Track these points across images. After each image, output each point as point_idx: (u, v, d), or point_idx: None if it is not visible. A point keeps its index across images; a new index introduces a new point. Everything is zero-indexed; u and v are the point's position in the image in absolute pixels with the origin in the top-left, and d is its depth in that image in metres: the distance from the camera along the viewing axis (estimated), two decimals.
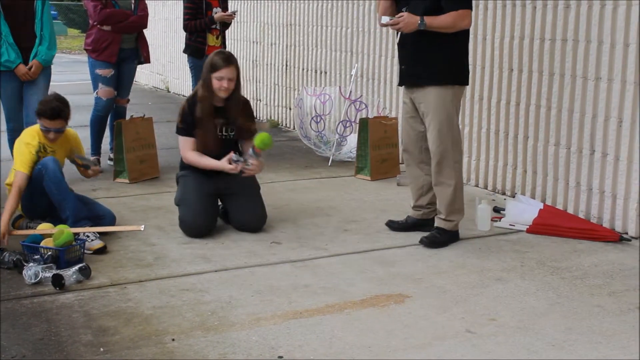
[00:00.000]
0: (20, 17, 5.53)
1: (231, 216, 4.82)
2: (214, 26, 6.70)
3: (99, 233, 4.40)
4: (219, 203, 4.91)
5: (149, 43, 6.71)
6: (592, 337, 3.27)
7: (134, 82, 6.89)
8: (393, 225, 4.81)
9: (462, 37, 4.44)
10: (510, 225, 4.87)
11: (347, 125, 7.00)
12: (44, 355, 3.07)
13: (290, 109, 8.75)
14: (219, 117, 4.73)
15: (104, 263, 4.15)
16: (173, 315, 3.46)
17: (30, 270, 3.83)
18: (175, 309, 3.54)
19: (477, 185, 5.99)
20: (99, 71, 6.28)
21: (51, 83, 5.78)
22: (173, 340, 3.21)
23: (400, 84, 4.65)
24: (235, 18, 6.90)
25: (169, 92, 12.41)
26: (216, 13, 6.69)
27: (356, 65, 7.21)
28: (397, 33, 4.50)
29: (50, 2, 5.84)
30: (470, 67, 4.71)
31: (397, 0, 4.52)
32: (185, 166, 4.89)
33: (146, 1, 6.52)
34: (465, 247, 4.50)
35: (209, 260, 4.23)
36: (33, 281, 3.81)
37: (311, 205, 5.43)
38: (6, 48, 5.46)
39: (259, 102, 9.52)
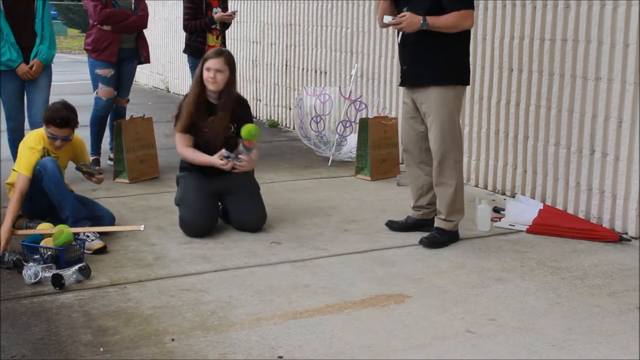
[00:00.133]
0: (21, 17, 5.54)
1: (231, 216, 4.82)
2: (214, 26, 6.70)
3: (99, 233, 4.40)
4: (219, 203, 4.90)
5: (149, 43, 6.71)
6: (592, 337, 3.27)
7: (133, 82, 6.90)
8: (393, 226, 4.81)
9: (463, 37, 4.44)
10: (510, 225, 4.87)
11: (347, 125, 7.00)
12: (44, 355, 3.07)
13: (290, 109, 8.76)
14: (213, 112, 4.73)
15: (103, 263, 4.15)
16: (173, 315, 3.46)
17: (30, 270, 3.83)
18: (175, 309, 3.54)
19: (477, 186, 5.99)
20: (99, 71, 6.28)
21: (51, 83, 5.80)
22: (173, 340, 3.21)
23: (401, 84, 4.65)
24: (235, 18, 6.90)
25: (169, 92, 12.41)
26: (216, 13, 6.69)
27: (356, 65, 7.21)
28: (399, 33, 4.50)
29: (50, 2, 5.84)
30: (471, 67, 4.71)
31: (397, 0, 4.53)
32: (185, 167, 4.89)
33: (146, 1, 6.53)
34: (465, 247, 4.50)
35: (209, 260, 4.23)
36: (33, 281, 3.82)
37: (311, 205, 5.43)
38: (8, 47, 5.47)
39: (258, 102, 9.52)
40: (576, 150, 5.07)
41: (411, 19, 4.26)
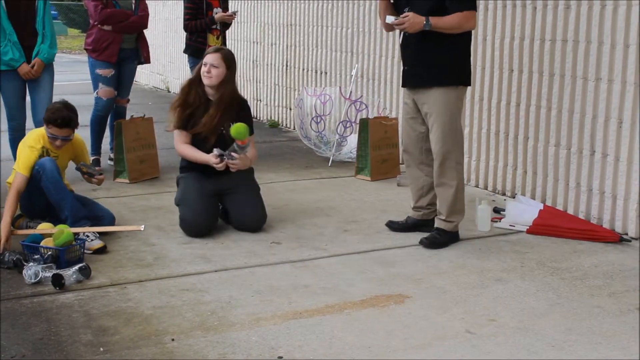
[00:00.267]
0: (22, 16, 5.55)
1: (231, 216, 4.82)
2: (214, 26, 6.70)
3: (99, 233, 4.40)
4: (219, 203, 4.90)
5: (149, 43, 6.72)
6: (592, 338, 3.27)
7: (134, 82, 6.90)
8: (393, 226, 4.81)
9: (465, 37, 4.44)
10: (510, 225, 4.87)
11: (348, 125, 7.00)
12: (44, 355, 3.07)
13: (290, 109, 8.76)
14: (209, 108, 4.75)
15: (103, 263, 4.15)
16: (173, 315, 3.46)
17: (30, 270, 3.83)
18: (175, 309, 3.54)
19: (477, 186, 5.99)
20: (99, 71, 6.29)
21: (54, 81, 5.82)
22: (173, 340, 3.21)
23: (403, 85, 4.64)
24: (235, 18, 6.91)
25: (169, 92, 12.41)
26: (216, 13, 6.69)
27: (356, 65, 7.21)
28: (400, 33, 4.49)
29: (50, 2, 5.85)
30: (471, 67, 4.71)
31: (397, 0, 4.52)
32: (185, 167, 4.89)
33: (147, 1, 6.53)
34: (465, 247, 4.50)
35: (209, 260, 4.23)
36: (33, 281, 3.81)
37: (311, 205, 5.43)
38: (10, 47, 5.48)
39: (259, 102, 9.52)
40: (576, 150, 5.07)
41: (414, 20, 4.25)
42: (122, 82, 6.48)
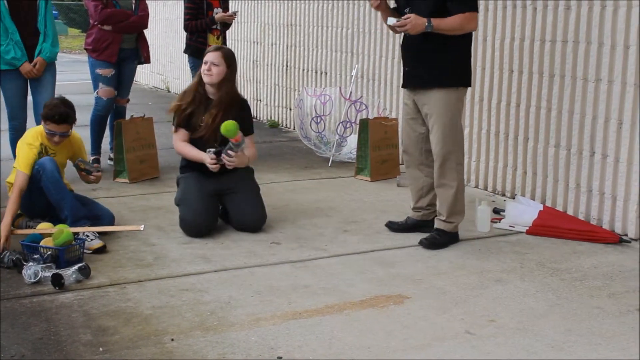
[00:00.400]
0: (23, 16, 5.56)
1: (231, 216, 4.82)
2: (214, 26, 6.70)
3: (99, 233, 4.40)
4: (219, 203, 4.90)
5: (149, 43, 6.72)
6: (592, 339, 3.27)
7: (134, 82, 6.90)
8: (393, 226, 4.81)
9: (465, 38, 4.43)
10: (510, 226, 4.87)
11: (347, 126, 7.00)
12: (43, 355, 3.07)
13: (290, 109, 8.76)
14: (209, 107, 4.76)
15: (103, 263, 4.15)
16: (172, 315, 3.46)
17: (30, 270, 3.83)
18: (174, 309, 3.54)
19: (477, 187, 5.99)
20: (99, 71, 6.29)
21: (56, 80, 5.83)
22: (172, 340, 3.21)
23: (404, 86, 4.64)
24: (235, 18, 6.91)
25: (169, 92, 12.41)
26: (217, 13, 6.69)
27: (356, 66, 7.21)
28: (402, 34, 4.49)
29: (51, 1, 5.85)
30: (472, 68, 4.71)
31: (397, 1, 4.52)
32: (185, 167, 4.90)
33: (147, 1, 6.53)
34: (464, 248, 4.50)
35: (209, 260, 4.23)
36: (32, 280, 3.81)
37: (311, 205, 5.43)
38: (12, 46, 5.49)
39: (259, 102, 9.52)
40: (576, 151, 5.07)
41: (416, 21, 4.24)
42: (122, 82, 6.48)
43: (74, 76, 13.80)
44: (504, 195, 5.73)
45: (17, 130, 5.67)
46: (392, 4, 4.66)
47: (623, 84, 4.69)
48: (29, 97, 5.80)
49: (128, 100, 6.69)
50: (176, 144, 4.84)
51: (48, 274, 3.80)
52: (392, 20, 4.33)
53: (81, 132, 4.91)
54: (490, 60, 5.76)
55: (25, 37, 5.56)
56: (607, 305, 3.64)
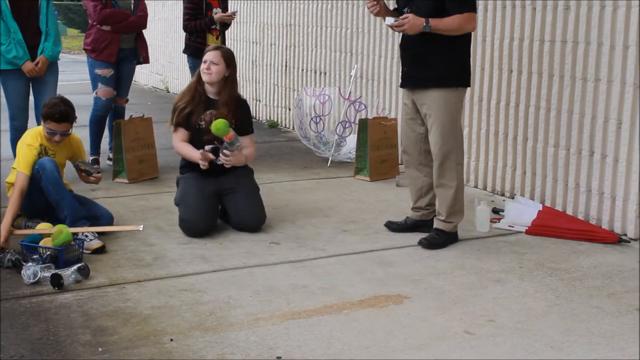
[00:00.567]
0: (25, 16, 5.56)
1: (230, 216, 4.82)
2: (213, 26, 6.70)
3: (98, 233, 4.40)
4: (219, 204, 4.90)
5: (148, 43, 6.72)
6: (591, 339, 3.27)
7: (133, 82, 6.89)
8: (392, 226, 4.81)
9: (465, 39, 4.43)
10: (509, 226, 4.87)
11: (347, 126, 7.00)
12: (43, 355, 3.07)
13: (289, 109, 8.75)
14: (210, 107, 4.77)
15: (102, 263, 4.15)
16: (171, 316, 3.46)
17: (29, 270, 3.83)
18: (173, 309, 3.54)
19: (476, 186, 5.99)
20: (98, 71, 6.29)
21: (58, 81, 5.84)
22: (171, 340, 3.21)
23: (402, 86, 4.64)
24: (235, 18, 6.91)
25: (168, 92, 12.41)
26: (216, 13, 6.69)
27: (356, 66, 7.21)
28: (400, 33, 4.48)
29: (52, 1, 5.86)
30: (471, 68, 4.71)
31: (398, 1, 4.52)
32: (185, 167, 4.90)
33: (146, 1, 6.53)
34: (464, 248, 4.50)
35: (208, 260, 4.23)
36: (32, 281, 3.81)
37: (310, 205, 5.43)
38: (14, 45, 5.50)
39: (258, 102, 9.52)
40: (575, 151, 5.07)
41: (414, 21, 4.24)
42: (121, 82, 6.48)
43: (73, 76, 13.78)
44: (503, 195, 5.73)
45: (18, 131, 5.67)
46: (392, 5, 4.67)
47: (622, 84, 4.69)
48: (31, 98, 5.80)
49: (127, 100, 6.69)
50: (176, 144, 4.84)
51: (47, 274, 3.80)
52: (390, 20, 4.33)
53: (80, 132, 4.91)
54: (489, 60, 5.76)
55: (27, 36, 5.56)
56: (607, 305, 3.64)
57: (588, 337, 3.29)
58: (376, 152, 6.25)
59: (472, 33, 4.53)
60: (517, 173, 5.60)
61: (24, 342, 3.18)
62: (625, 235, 4.72)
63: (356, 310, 3.55)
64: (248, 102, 5.16)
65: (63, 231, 4.08)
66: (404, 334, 3.30)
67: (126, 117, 6.42)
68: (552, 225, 4.74)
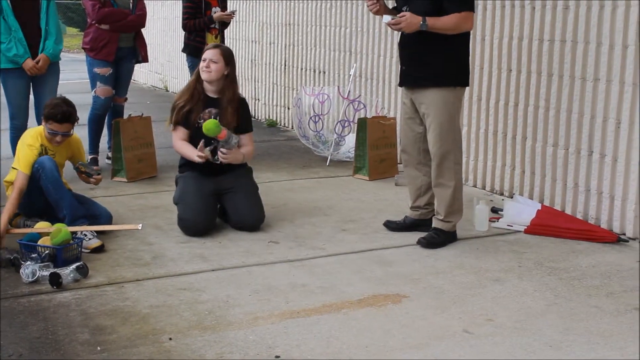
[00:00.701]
0: (26, 15, 5.56)
1: (229, 215, 4.82)
2: (213, 25, 6.70)
3: (97, 232, 4.40)
4: (218, 203, 4.90)
5: (147, 42, 6.71)
6: (590, 338, 3.27)
7: (132, 81, 6.89)
8: (391, 226, 4.81)
9: (463, 38, 4.43)
10: (508, 225, 4.87)
11: (346, 125, 7.00)
12: (41, 354, 3.07)
13: (288, 108, 8.75)
14: (209, 106, 4.77)
15: (101, 262, 4.15)
16: (170, 315, 3.46)
17: (28, 269, 3.83)
18: (172, 308, 3.54)
19: (475, 186, 5.99)
20: (97, 70, 6.29)
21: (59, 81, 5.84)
22: (170, 339, 3.21)
23: (400, 85, 4.64)
24: (234, 17, 6.90)
25: (167, 91, 12.41)
26: (215, 12, 6.69)
27: (355, 65, 7.21)
28: (399, 32, 4.48)
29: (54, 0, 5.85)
30: (470, 68, 4.71)
31: (397, 0, 4.52)
32: (184, 166, 4.89)
33: (145, 0, 6.52)
34: (462, 247, 4.50)
35: (207, 259, 4.23)
36: (30, 280, 3.81)
37: (309, 204, 5.43)
38: (15, 43, 5.49)
39: (257, 101, 9.51)
40: (574, 151, 5.07)
41: (411, 20, 4.24)
42: (119, 81, 6.48)
43: (72, 75, 13.76)
44: (502, 194, 5.73)
45: (18, 130, 5.66)
46: (392, 4, 4.66)
47: (621, 84, 4.69)
48: (31, 97, 5.80)
49: (126, 99, 6.68)
50: (175, 143, 4.84)
51: (46, 273, 3.80)
52: (387, 18, 4.33)
53: (79, 131, 4.91)
54: (488, 59, 5.76)
55: (28, 35, 5.56)
56: (605, 305, 3.64)
57: (587, 336, 3.29)
58: (375, 151, 6.25)
59: (472, 32, 4.53)
60: (516, 172, 5.60)
61: (22, 341, 3.18)
62: (624, 234, 4.73)
63: (355, 309, 3.55)
64: (247, 101, 5.16)
65: (62, 230, 4.07)
66: (402, 333, 3.30)
67: (125, 116, 6.42)
68: (551, 224, 4.74)
